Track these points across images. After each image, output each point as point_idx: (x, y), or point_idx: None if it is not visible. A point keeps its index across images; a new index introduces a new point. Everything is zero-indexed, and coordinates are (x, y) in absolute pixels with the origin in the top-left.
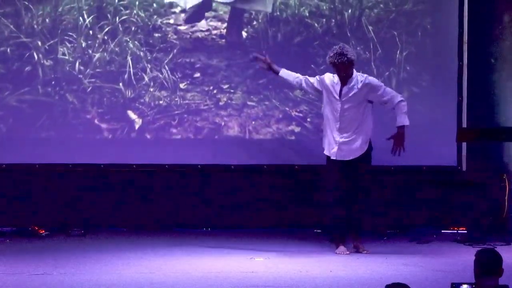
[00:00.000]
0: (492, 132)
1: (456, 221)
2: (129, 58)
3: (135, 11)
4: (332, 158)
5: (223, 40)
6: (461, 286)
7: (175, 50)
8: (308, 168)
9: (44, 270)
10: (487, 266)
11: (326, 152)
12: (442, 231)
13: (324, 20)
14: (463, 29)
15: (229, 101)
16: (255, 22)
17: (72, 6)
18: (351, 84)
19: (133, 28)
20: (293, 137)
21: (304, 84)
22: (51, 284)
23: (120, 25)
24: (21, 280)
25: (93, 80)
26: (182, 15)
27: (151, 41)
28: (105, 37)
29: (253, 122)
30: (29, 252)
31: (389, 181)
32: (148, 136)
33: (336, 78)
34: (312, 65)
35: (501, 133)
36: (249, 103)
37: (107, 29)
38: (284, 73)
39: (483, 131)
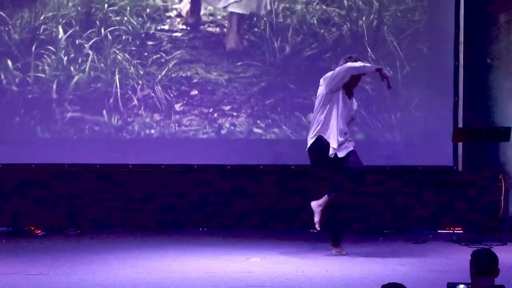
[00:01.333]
0: (488, 132)
1: (452, 221)
2: (117, 74)
3: (126, 18)
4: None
5: (222, 49)
6: (457, 286)
7: (170, 64)
8: (304, 168)
9: (40, 270)
10: (483, 266)
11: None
12: (438, 231)
13: (335, 28)
14: (459, 29)
15: (232, 128)
16: (256, 29)
17: (55, 14)
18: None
19: (123, 37)
20: (289, 138)
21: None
22: (47, 284)
23: (109, 34)
24: (17, 280)
25: (73, 106)
26: (178, 19)
27: (143, 52)
28: (90, 51)
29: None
30: (25, 252)
31: (385, 181)
32: (145, 136)
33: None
34: None
35: (497, 133)
36: (255, 130)
37: (94, 39)
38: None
39: (479, 131)
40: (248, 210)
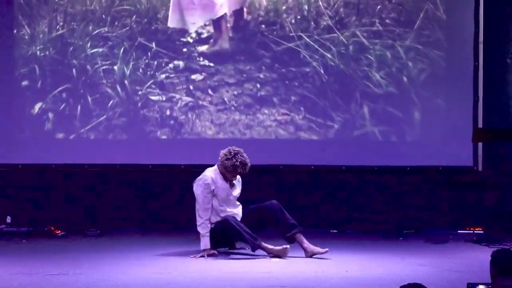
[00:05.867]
0: (508, 132)
1: (472, 221)
2: None
3: (117, 66)
4: None
5: (263, 136)
6: (477, 287)
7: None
8: (331, 169)
9: (60, 270)
10: (503, 266)
11: None
12: (458, 231)
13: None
14: (479, 28)
15: None
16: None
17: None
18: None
19: (109, 104)
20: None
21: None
22: (67, 284)
23: (89, 97)
24: (37, 280)
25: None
26: (201, 48)
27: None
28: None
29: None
30: (45, 253)
31: (405, 181)
32: (167, 136)
33: (220, 177)
34: None
35: None
36: None
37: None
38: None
39: (499, 131)
40: None
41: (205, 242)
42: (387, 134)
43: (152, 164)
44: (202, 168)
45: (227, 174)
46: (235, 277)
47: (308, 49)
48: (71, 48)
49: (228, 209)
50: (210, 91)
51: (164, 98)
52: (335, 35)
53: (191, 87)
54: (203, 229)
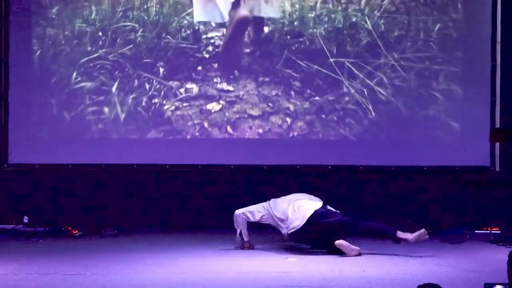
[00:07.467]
0: None
1: (489, 221)
2: None
3: (110, 105)
4: None
5: None
6: (494, 287)
7: None
8: (349, 168)
9: (77, 270)
10: None
11: None
12: (475, 231)
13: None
14: (496, 28)
15: None
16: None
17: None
18: None
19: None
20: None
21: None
22: (84, 284)
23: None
24: (54, 280)
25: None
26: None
27: None
28: None
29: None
30: (62, 252)
31: (422, 181)
32: (182, 137)
33: None
34: None
35: None
36: None
37: None
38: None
39: None
40: None
41: None
42: (404, 134)
43: (169, 164)
44: (219, 168)
45: None
46: (251, 277)
47: (347, 74)
48: (54, 80)
49: None
50: (229, 128)
51: (172, 140)
52: (380, 55)
53: (205, 124)
54: None
